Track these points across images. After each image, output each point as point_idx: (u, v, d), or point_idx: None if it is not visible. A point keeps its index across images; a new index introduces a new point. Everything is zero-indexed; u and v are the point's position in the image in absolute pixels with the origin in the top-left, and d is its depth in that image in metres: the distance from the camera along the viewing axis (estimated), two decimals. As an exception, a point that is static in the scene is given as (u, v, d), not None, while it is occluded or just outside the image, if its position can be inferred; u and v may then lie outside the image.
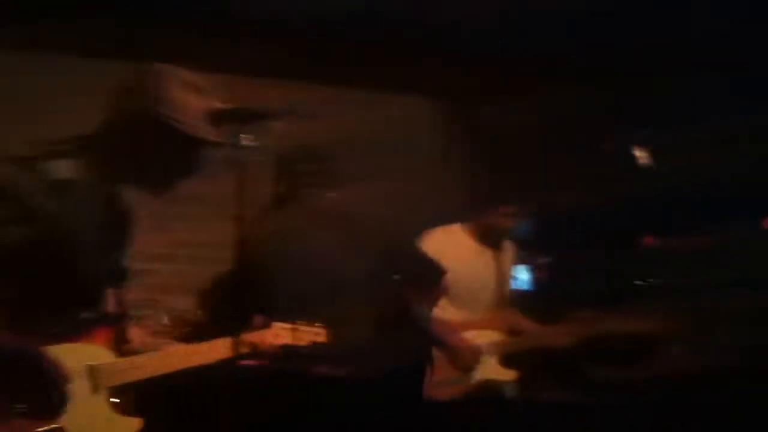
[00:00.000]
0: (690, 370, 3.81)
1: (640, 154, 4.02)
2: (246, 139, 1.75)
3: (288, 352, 2.29)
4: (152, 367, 1.97)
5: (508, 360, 3.69)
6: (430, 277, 3.07)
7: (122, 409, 1.93)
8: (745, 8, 3.63)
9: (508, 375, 3.68)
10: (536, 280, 5.32)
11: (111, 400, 1.91)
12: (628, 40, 3.93)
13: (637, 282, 4.25)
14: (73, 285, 1.88)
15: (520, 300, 4.28)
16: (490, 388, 3.63)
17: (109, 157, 1.90)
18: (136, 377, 1.95)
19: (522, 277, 5.27)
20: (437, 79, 4.82)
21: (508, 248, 3.83)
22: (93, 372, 1.89)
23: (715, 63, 3.97)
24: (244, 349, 2.06)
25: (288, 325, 2.32)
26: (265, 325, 2.28)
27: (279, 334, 2.30)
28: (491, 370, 3.64)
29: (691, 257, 4.32)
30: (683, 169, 4.22)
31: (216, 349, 2.06)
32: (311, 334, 2.41)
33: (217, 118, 1.85)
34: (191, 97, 1.87)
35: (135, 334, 2.03)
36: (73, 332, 1.89)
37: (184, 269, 4.42)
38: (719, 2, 3.62)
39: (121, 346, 1.96)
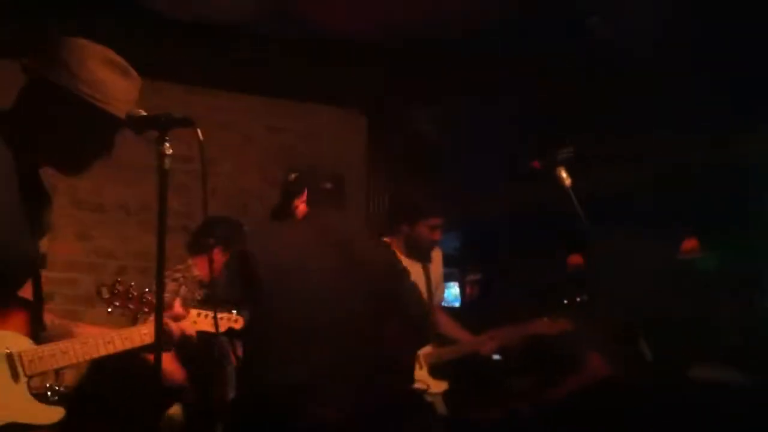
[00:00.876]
0: (609, 381, 3.92)
1: (565, 173, 4.12)
2: (170, 147, 1.72)
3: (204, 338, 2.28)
4: (73, 354, 1.91)
5: (437, 370, 3.73)
6: (422, 330, 3.11)
7: (43, 398, 1.88)
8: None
9: (438, 386, 3.71)
10: (466, 294, 5.39)
11: (31, 387, 1.85)
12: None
13: (564, 298, 4.35)
14: None
15: (451, 311, 4.32)
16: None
17: (26, 131, 1.82)
18: (58, 364, 1.90)
19: (452, 290, 5.32)
20: (363, 89, 4.83)
21: (437, 260, 3.87)
22: (12, 359, 1.82)
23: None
24: (162, 336, 2.02)
25: (206, 312, 2.32)
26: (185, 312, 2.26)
27: (197, 320, 2.29)
28: (421, 380, 3.66)
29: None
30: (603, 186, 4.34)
31: (136, 336, 2.04)
32: (228, 321, 2.43)
33: (140, 124, 1.82)
34: (117, 78, 1.82)
35: (47, 318, 1.96)
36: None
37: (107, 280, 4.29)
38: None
39: (37, 332, 1.89)
